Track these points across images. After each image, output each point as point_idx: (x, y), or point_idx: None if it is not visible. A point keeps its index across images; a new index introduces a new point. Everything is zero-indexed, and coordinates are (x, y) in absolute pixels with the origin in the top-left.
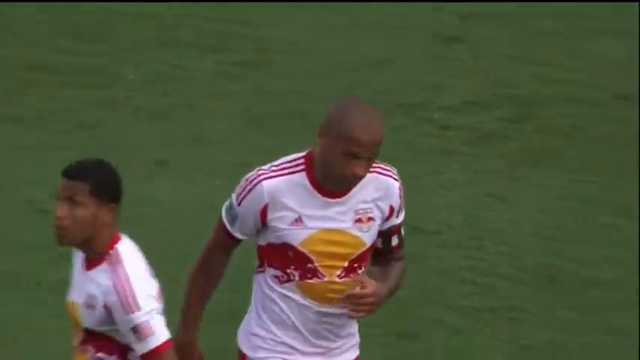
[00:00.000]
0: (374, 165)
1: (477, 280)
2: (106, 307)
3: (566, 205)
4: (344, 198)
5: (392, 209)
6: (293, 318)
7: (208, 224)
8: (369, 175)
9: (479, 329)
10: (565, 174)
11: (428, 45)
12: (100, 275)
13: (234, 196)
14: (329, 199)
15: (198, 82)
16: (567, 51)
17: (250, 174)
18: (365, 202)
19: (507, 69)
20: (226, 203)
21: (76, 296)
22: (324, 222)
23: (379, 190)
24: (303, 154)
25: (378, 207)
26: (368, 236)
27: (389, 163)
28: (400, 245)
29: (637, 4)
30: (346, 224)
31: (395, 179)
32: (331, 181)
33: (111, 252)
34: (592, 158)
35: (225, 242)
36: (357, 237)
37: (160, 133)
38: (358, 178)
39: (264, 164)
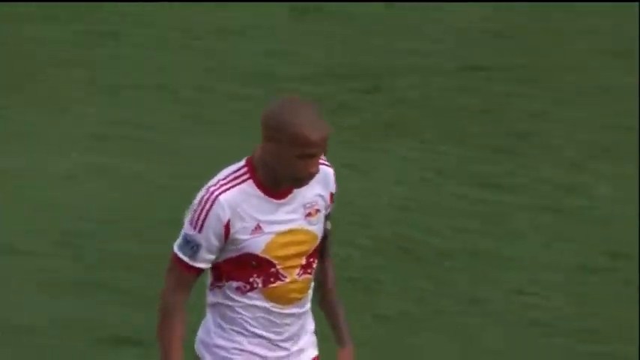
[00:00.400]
0: None
1: (334, 251)
2: None
3: (420, 176)
4: (290, 196)
5: (331, 196)
6: (257, 325)
7: (63, 194)
8: None
9: None
10: (418, 145)
11: (283, 15)
12: None
13: (188, 226)
14: (278, 201)
15: (52, 52)
16: (420, 22)
17: (200, 196)
18: (310, 195)
19: (360, 40)
20: (179, 241)
21: None
22: (279, 225)
23: (319, 181)
24: (243, 162)
25: (322, 197)
26: (318, 229)
27: (239, 135)
28: (330, 227)
29: (637, 4)
30: (299, 222)
31: (328, 166)
32: (286, 182)
33: None
34: (445, 129)
35: (189, 279)
36: (309, 231)
37: (12, 103)
38: (313, 176)
39: (117, 136)
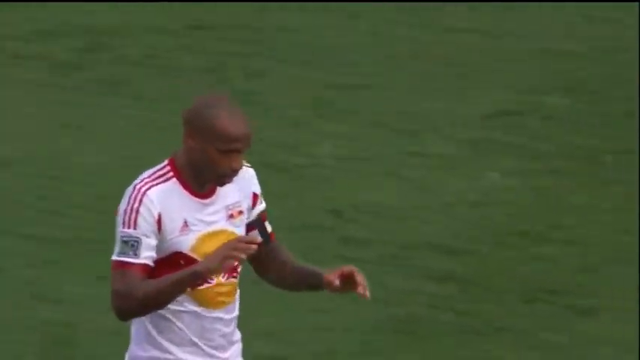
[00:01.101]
0: None
1: (54, 210)
2: None
3: (142, 135)
4: (214, 197)
5: (255, 196)
6: (188, 332)
7: None
8: None
9: (56, 260)
10: (141, 103)
11: None
12: None
13: (121, 229)
14: (203, 201)
15: None
16: None
17: (127, 195)
18: (232, 196)
19: None
20: (116, 249)
21: None
22: (205, 225)
23: (238, 180)
24: (165, 162)
25: (244, 197)
26: (241, 231)
27: None
28: (273, 231)
29: (637, 4)
30: (222, 223)
31: (248, 166)
32: (209, 180)
33: None
34: (167, 88)
35: (137, 278)
36: (233, 233)
37: None
38: (236, 173)
39: None
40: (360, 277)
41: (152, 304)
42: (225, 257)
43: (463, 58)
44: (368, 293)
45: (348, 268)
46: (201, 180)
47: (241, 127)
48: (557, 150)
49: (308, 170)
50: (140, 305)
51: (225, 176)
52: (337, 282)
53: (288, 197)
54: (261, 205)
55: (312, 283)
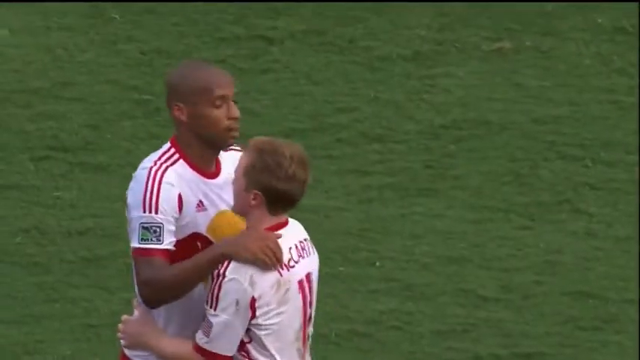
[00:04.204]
0: None
1: None
2: None
3: None
4: (220, 177)
5: None
6: (195, 317)
7: None
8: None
9: None
10: None
11: None
12: None
13: (140, 214)
14: (212, 181)
15: None
16: None
17: (142, 179)
18: (230, 170)
19: None
20: (135, 235)
21: None
22: (215, 204)
23: (234, 163)
24: (168, 145)
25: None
26: None
27: None
28: None
29: (637, 4)
30: (229, 201)
31: (238, 150)
32: (218, 141)
33: None
34: None
35: (163, 263)
36: None
37: None
38: (237, 120)
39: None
40: None
41: (181, 288)
42: (255, 255)
43: None
44: None
45: None
46: (209, 152)
47: (221, 74)
48: (64, 8)
49: None
50: (169, 291)
51: (230, 128)
52: None
53: None
54: None
55: None
